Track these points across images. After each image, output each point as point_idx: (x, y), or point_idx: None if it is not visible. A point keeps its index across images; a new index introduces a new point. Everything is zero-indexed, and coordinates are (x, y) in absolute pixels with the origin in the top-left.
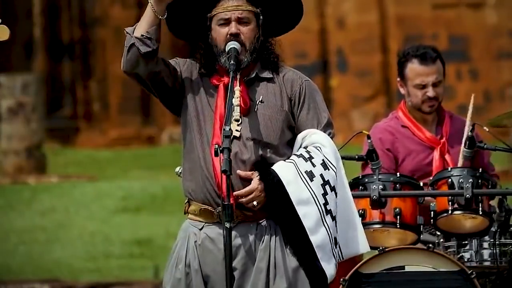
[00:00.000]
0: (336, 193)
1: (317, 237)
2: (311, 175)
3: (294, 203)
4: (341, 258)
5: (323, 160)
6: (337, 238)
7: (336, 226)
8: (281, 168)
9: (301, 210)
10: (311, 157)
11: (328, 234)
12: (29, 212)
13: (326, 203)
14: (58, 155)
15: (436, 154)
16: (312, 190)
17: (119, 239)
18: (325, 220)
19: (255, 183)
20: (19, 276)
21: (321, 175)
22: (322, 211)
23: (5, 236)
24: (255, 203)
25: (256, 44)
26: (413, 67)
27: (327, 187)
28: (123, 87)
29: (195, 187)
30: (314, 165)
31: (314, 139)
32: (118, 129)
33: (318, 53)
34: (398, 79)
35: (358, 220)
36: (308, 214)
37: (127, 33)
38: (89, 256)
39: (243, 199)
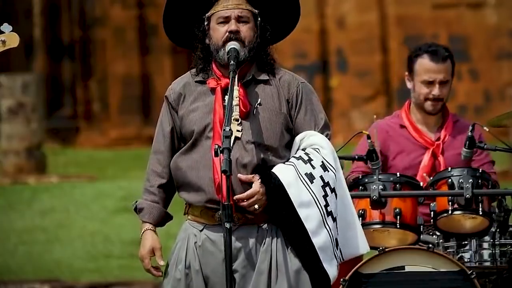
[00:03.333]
0: (336, 194)
1: (319, 239)
2: (311, 177)
3: (295, 206)
4: (342, 259)
5: (322, 161)
6: (338, 239)
7: (337, 227)
8: (282, 171)
9: (302, 213)
10: (310, 159)
11: (330, 236)
12: (29, 212)
13: (327, 205)
14: (58, 155)
15: (427, 154)
16: (313, 192)
17: (119, 239)
18: (327, 222)
19: (257, 186)
20: (19, 276)
21: (321, 177)
22: (324, 213)
23: (5, 236)
24: (256, 206)
25: (254, 43)
26: (423, 62)
27: (327, 188)
28: (123, 87)
29: (195, 193)
30: (313, 167)
31: (312, 141)
32: (118, 129)
33: (318, 53)
34: (406, 73)
35: (357, 220)
36: (309, 217)
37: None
38: (89, 256)
39: (244, 203)
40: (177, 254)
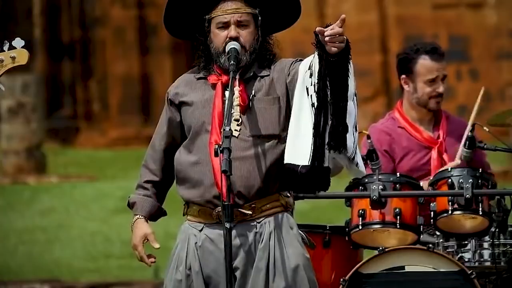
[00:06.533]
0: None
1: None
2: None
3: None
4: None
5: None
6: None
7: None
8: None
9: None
10: None
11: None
12: (29, 212)
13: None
14: (58, 155)
15: (434, 153)
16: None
17: (119, 239)
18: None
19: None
20: (19, 276)
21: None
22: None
23: (5, 236)
24: (344, 37)
25: (255, 46)
26: (425, 63)
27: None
28: (123, 87)
29: (193, 188)
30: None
31: None
32: (118, 129)
33: None
34: (404, 76)
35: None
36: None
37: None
38: (89, 256)
39: (331, 31)
40: (178, 255)
